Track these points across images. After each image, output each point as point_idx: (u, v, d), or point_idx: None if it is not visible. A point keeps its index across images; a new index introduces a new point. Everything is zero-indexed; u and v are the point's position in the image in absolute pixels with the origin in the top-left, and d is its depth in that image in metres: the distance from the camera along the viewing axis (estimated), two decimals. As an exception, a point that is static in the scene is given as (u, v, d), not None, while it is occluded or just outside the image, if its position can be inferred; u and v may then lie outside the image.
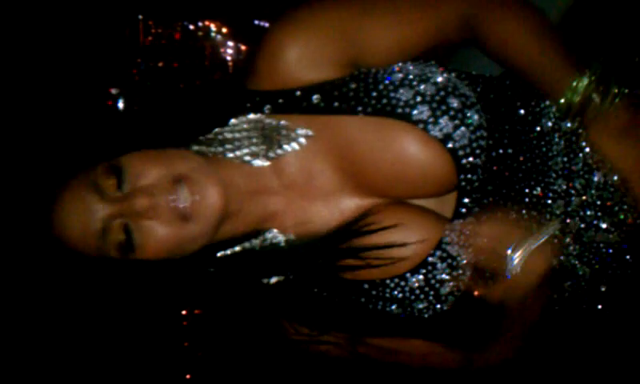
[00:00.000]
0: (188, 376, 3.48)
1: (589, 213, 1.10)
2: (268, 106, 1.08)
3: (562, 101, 1.00)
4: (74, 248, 0.98)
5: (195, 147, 1.06)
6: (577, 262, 1.13)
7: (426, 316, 1.09)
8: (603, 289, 1.15)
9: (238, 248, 1.09)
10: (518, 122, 1.10)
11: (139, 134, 1.05)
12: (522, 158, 1.09)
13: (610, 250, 1.12)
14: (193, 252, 1.01)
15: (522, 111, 1.10)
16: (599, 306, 1.17)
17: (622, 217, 1.08)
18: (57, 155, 1.02)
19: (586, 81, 0.98)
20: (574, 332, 1.30)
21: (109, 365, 2.69)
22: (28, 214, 0.99)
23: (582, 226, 1.10)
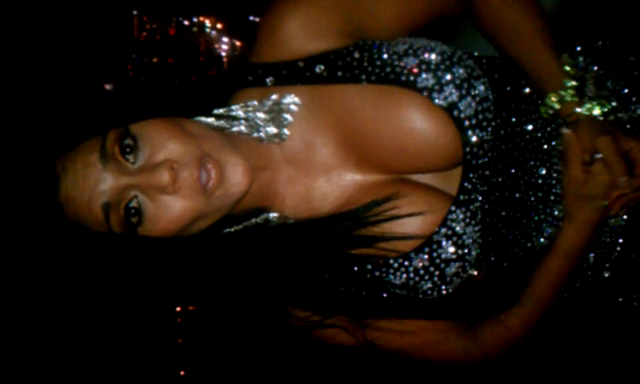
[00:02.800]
0: (182, 373, 3.47)
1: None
2: (270, 78, 1.06)
3: (547, 102, 1.01)
4: (76, 219, 0.93)
5: (204, 120, 1.04)
6: None
7: (432, 297, 1.07)
8: (607, 275, 1.15)
9: (240, 226, 1.07)
10: (523, 101, 1.10)
11: (150, 101, 1.02)
12: (527, 137, 1.09)
13: (614, 234, 1.12)
14: (201, 229, 0.99)
15: (527, 89, 1.10)
16: (603, 293, 1.17)
17: None
18: (67, 118, 0.97)
19: (570, 87, 1.00)
20: (579, 319, 1.30)
21: (102, 361, 2.69)
22: (34, 178, 0.91)
23: None
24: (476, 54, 1.15)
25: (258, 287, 1.07)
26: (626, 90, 1.08)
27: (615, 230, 1.12)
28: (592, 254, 1.14)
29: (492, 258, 1.12)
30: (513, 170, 1.08)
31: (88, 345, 2.56)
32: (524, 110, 1.09)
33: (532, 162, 1.09)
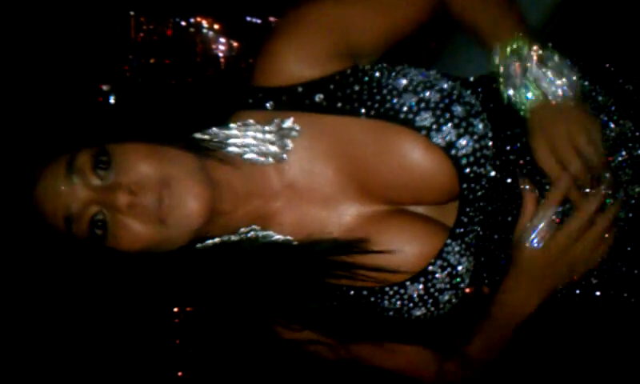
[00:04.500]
0: (180, 373, 3.47)
1: None
2: (270, 103, 1.08)
3: (493, 55, 1.02)
4: (50, 224, 0.98)
5: (198, 136, 1.06)
6: None
7: (423, 321, 1.09)
8: (594, 281, 1.15)
9: (217, 240, 1.08)
10: (519, 125, 1.10)
11: (134, 124, 1.04)
12: (521, 162, 1.09)
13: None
14: (172, 249, 1.01)
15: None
16: (591, 300, 1.18)
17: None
18: (46, 134, 1.03)
19: (515, 44, 1.00)
20: (568, 327, 1.31)
21: (101, 362, 2.69)
22: (12, 188, 0.99)
23: None
24: (471, 79, 1.15)
25: (236, 300, 1.09)
26: (614, 107, 1.09)
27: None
28: None
29: (484, 277, 1.13)
30: (506, 196, 1.09)
31: (86, 345, 2.56)
32: (519, 135, 1.09)
33: (527, 186, 1.10)
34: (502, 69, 1.01)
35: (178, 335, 3.53)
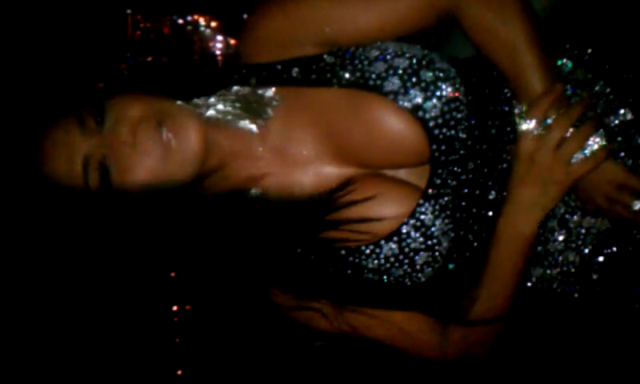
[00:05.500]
0: (179, 372, 3.48)
1: (572, 196, 1.11)
2: (253, 79, 1.15)
3: (523, 109, 1.03)
4: (59, 183, 1.02)
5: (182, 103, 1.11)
6: (564, 249, 1.14)
7: (405, 284, 1.11)
8: (595, 277, 1.16)
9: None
10: (502, 102, 1.12)
11: (130, 82, 1.10)
12: (505, 139, 1.11)
13: (601, 236, 1.13)
14: (175, 192, 1.05)
15: (507, 91, 1.12)
16: (591, 296, 1.18)
17: None
18: (46, 95, 1.07)
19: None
20: (565, 322, 1.31)
21: (100, 361, 2.69)
22: (14, 151, 1.03)
23: (565, 209, 1.12)
24: (461, 57, 1.17)
25: (231, 255, 1.13)
26: (613, 96, 1.09)
27: (602, 233, 1.13)
28: (578, 257, 1.15)
29: (467, 253, 1.14)
30: (486, 170, 1.11)
31: (86, 344, 2.57)
32: (502, 112, 1.11)
33: (506, 164, 1.11)
34: (519, 119, 1.04)
35: (178, 334, 3.54)
